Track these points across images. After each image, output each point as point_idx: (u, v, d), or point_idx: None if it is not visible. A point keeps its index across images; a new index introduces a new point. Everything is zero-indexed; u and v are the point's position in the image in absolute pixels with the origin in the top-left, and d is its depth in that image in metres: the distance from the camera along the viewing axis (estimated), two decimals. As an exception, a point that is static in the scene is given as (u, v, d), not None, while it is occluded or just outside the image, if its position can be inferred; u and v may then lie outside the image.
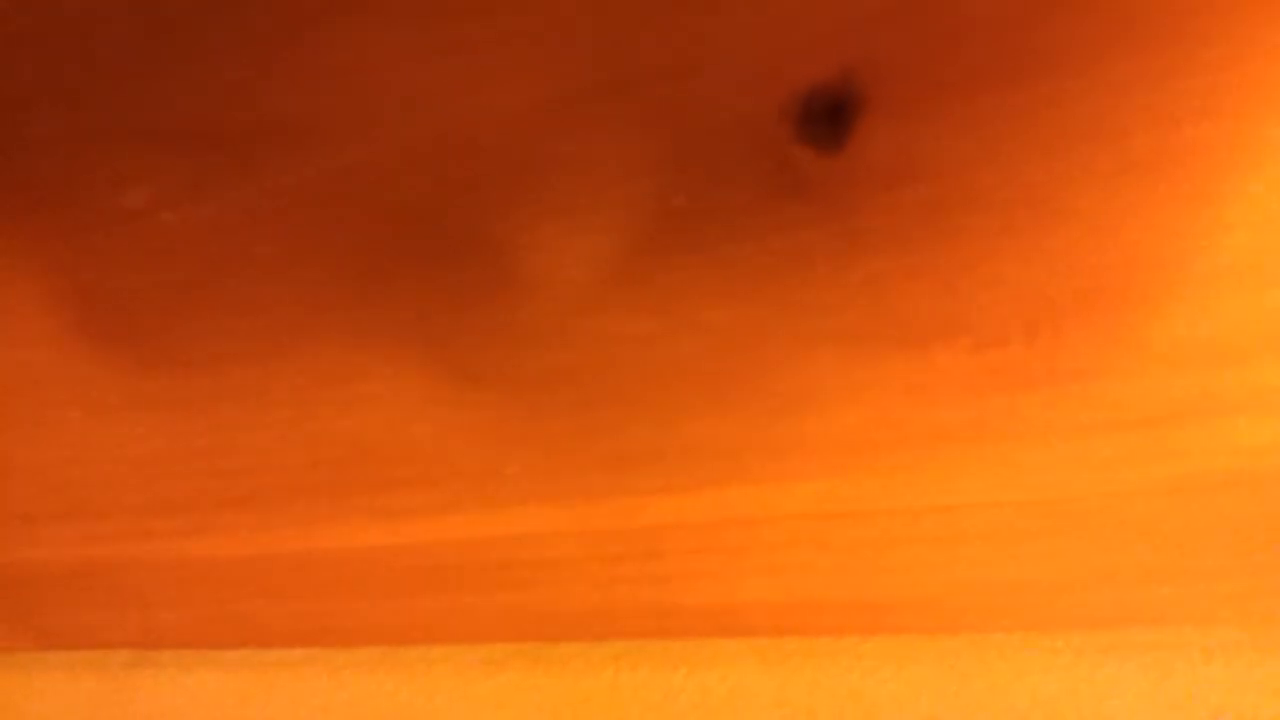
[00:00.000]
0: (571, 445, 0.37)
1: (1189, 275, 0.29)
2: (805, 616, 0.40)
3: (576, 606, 0.42)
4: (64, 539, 0.47)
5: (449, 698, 0.44)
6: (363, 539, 0.42)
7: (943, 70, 0.28)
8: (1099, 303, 0.30)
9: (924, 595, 0.38)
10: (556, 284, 0.33)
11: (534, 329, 0.35)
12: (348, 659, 0.47)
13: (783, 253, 0.31)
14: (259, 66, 0.32)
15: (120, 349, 0.39)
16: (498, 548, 0.41)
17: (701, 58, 0.29)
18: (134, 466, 0.44)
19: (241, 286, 0.36)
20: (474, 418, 0.37)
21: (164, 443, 0.42)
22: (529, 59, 0.30)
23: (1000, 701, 0.37)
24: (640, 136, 0.30)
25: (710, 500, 0.38)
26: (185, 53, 0.32)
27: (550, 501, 0.39)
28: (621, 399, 0.36)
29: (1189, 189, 0.28)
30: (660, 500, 0.38)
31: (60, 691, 0.51)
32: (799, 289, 0.32)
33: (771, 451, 0.36)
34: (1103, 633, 0.37)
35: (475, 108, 0.31)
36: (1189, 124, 0.27)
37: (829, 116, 0.28)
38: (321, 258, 0.35)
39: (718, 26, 0.28)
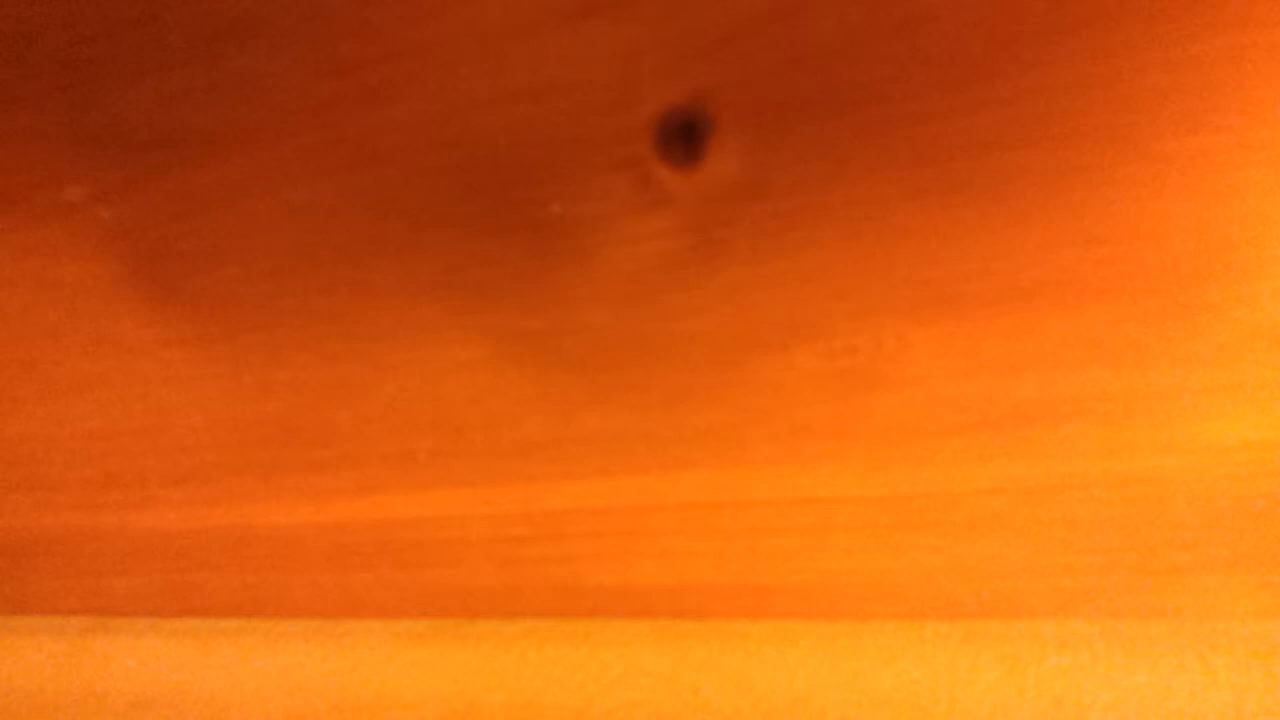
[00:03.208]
0: (474, 434, 0.40)
1: (1019, 288, 0.32)
2: (695, 600, 0.42)
3: (487, 585, 0.45)
4: (21, 510, 0.50)
5: (374, 669, 0.47)
6: (292, 516, 0.45)
7: (788, 95, 0.30)
8: (938, 313, 0.33)
9: (802, 582, 0.40)
10: (452, 285, 0.36)
11: (434, 326, 0.37)
12: (283, 630, 0.50)
13: (650, 259, 0.34)
14: (181, 77, 0.35)
15: (62, 334, 0.42)
16: (413, 528, 0.44)
17: (566, 77, 0.31)
18: (83, 443, 0.47)
19: (171, 279, 0.39)
20: (386, 405, 0.40)
21: (108, 421, 0.45)
22: (415, 75, 0.33)
23: (869, 684, 0.39)
24: (515, 148, 0.33)
25: (604, 487, 0.40)
26: (114, 63, 0.35)
27: (459, 485, 0.42)
28: (516, 392, 0.38)
29: (1016, 207, 0.30)
30: (559, 486, 0.41)
31: (21, 655, 0.55)
32: (668, 294, 0.34)
33: (654, 443, 0.38)
34: (964, 623, 0.39)
35: (366, 121, 0.34)
36: (1013, 148, 0.30)
37: (683, 136, 0.31)
38: (241, 254, 0.38)
39: (579, 49, 0.31)
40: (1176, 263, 0.30)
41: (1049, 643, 0.38)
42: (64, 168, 0.37)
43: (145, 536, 0.49)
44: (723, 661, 0.42)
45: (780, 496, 0.38)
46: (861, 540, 0.38)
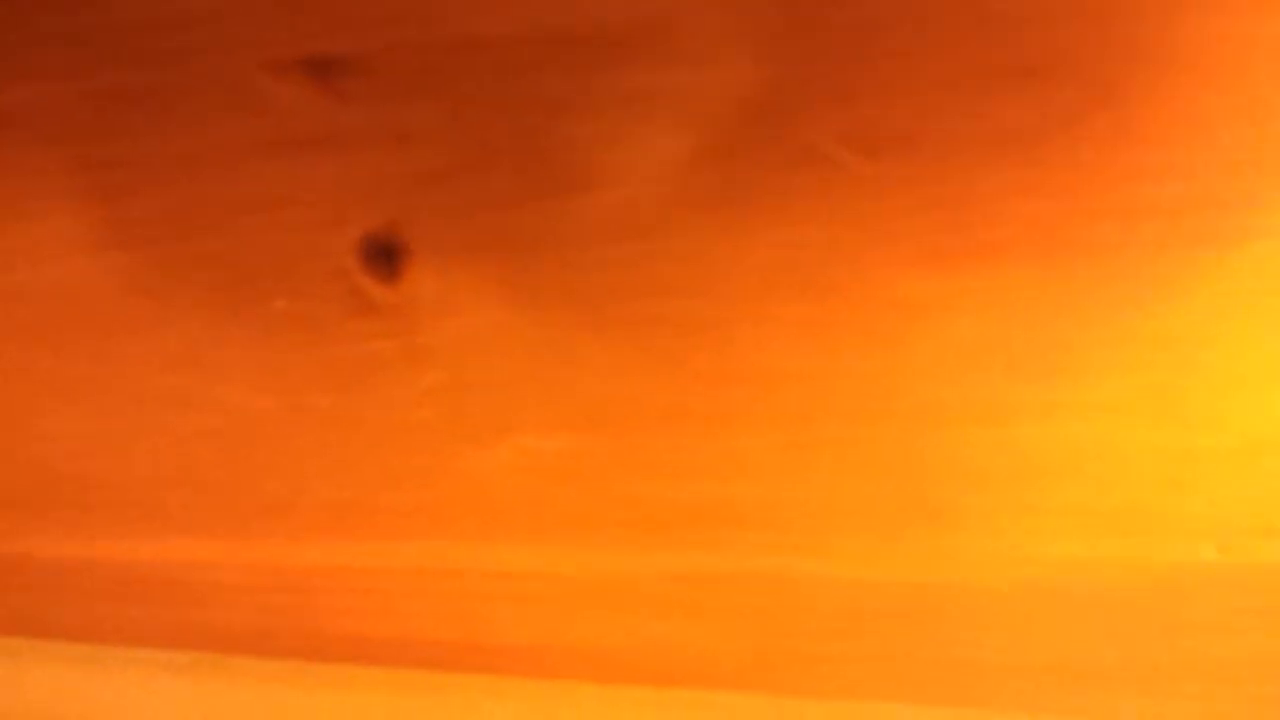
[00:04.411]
0: (220, 492, 0.44)
1: (677, 411, 0.36)
2: (424, 653, 0.46)
3: (242, 626, 0.49)
4: None
5: (139, 695, 0.51)
6: (62, 550, 0.48)
7: (473, 232, 0.35)
8: (609, 425, 0.37)
9: (510, 643, 0.45)
10: (193, 362, 0.40)
11: (177, 396, 0.41)
12: (60, 653, 0.53)
13: (364, 358, 0.38)
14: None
15: None
16: (172, 570, 0.47)
17: (289, 195, 0.35)
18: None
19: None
20: (139, 460, 0.44)
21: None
22: (171, 176, 0.37)
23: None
24: (251, 247, 0.37)
25: (338, 549, 0.44)
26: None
27: (210, 536, 0.45)
28: (254, 459, 0.42)
29: (665, 345, 0.35)
30: (300, 544, 0.45)
31: None
32: (383, 388, 0.39)
33: (379, 514, 0.42)
34: (650, 689, 0.44)
35: (124, 210, 0.38)
36: (664, 297, 0.34)
37: (384, 256, 0.35)
38: (6, 321, 0.41)
39: (299, 173, 0.35)
40: (793, 401, 0.35)
41: (719, 710, 0.43)
42: None
43: (-72, 558, 0.52)
44: (444, 711, 0.46)
45: (488, 568, 0.42)
46: (558, 610, 0.43)
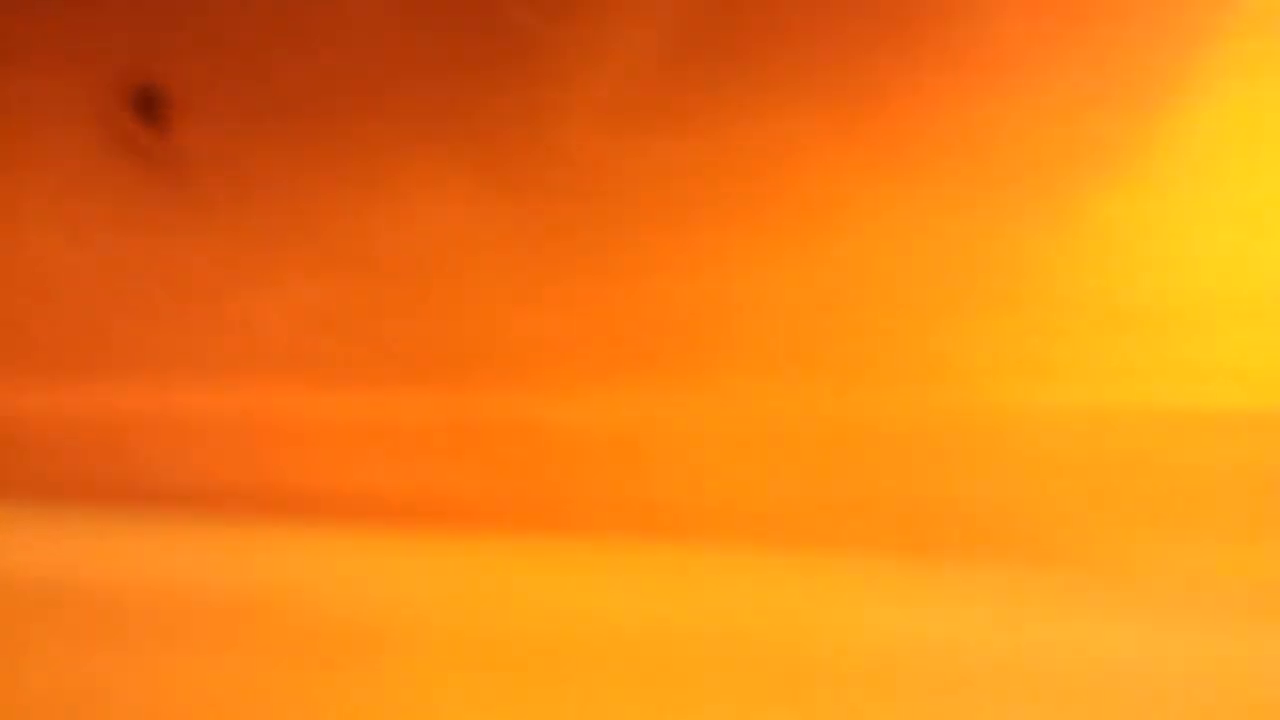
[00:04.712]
0: (37, 341, 0.47)
1: (428, 255, 0.40)
2: (222, 499, 0.50)
3: (66, 475, 0.52)
4: None
5: (63, 548, 0.55)
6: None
7: (238, 84, 0.38)
8: (371, 260, 0.41)
9: (300, 488, 0.48)
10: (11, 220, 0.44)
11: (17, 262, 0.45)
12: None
13: (143, 204, 0.42)
14: None
15: None
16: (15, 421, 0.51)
17: (63, 40, 0.39)
18: None
19: None
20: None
21: None
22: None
23: (370, 579, 0.48)
24: (19, 97, 0.40)
25: (146, 397, 0.48)
26: None
27: (28, 388, 0.49)
28: (67, 309, 0.46)
29: (402, 182, 0.39)
30: (113, 394, 0.48)
31: None
32: (162, 236, 0.42)
33: (178, 361, 0.46)
34: (430, 532, 0.48)
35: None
36: (409, 149, 0.38)
37: (151, 107, 0.39)
38: None
39: (67, 17, 0.38)
40: (521, 254, 0.39)
41: (487, 551, 0.47)
42: None
43: None
44: (252, 560, 0.50)
45: (267, 414, 0.46)
46: (335, 455, 0.46)
